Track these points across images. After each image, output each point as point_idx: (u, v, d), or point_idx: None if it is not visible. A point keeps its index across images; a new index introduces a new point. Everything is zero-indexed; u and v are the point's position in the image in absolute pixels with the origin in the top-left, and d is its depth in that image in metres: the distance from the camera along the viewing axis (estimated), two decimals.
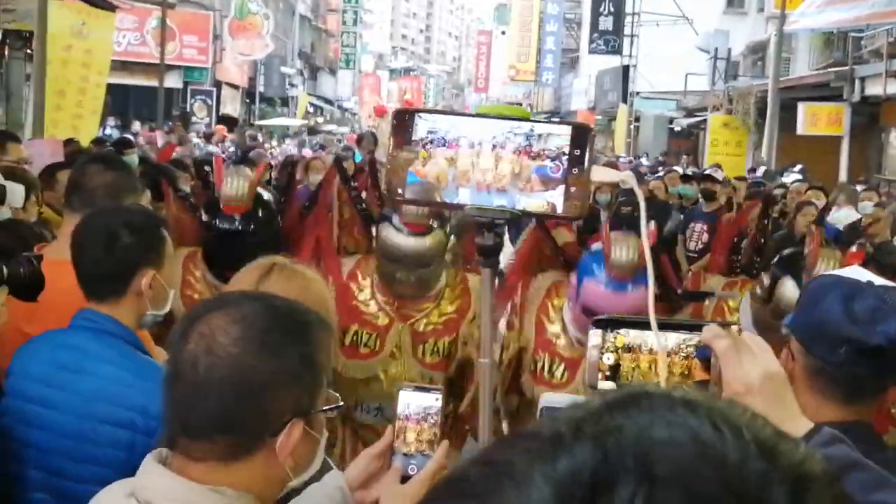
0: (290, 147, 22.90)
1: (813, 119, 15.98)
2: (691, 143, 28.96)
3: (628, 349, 1.37)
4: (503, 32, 64.02)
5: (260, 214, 3.87)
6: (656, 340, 1.34)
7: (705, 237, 9.11)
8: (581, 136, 1.39)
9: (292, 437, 1.51)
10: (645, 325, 1.38)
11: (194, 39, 28.46)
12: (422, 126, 1.41)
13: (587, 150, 1.39)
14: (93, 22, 11.15)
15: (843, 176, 14.86)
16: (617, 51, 33.02)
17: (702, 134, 24.84)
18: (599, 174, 1.47)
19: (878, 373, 1.95)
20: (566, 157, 1.38)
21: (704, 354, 1.36)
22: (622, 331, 1.38)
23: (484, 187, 1.39)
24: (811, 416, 1.39)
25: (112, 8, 12.92)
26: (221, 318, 1.53)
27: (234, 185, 3.81)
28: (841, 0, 12.09)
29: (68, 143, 8.54)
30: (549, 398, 1.62)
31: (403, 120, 1.42)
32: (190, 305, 3.58)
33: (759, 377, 1.31)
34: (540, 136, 1.39)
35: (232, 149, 19.87)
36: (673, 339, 1.36)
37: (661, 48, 30.02)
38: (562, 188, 1.38)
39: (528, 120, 1.41)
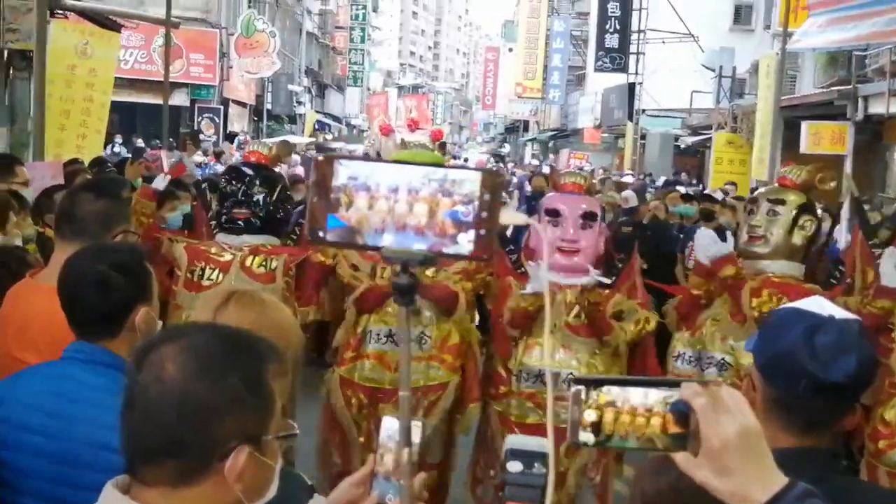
0: (296, 166, 22.95)
1: (816, 138, 15.97)
2: (697, 161, 28.96)
3: (610, 405, 1.41)
4: (510, 49, 64.13)
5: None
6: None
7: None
8: (490, 181, 1.46)
9: (239, 462, 1.55)
10: (627, 382, 1.42)
11: (201, 57, 28.55)
12: (342, 172, 1.49)
13: (496, 195, 1.47)
14: (97, 41, 11.21)
15: (846, 195, 14.82)
16: (623, 68, 33.07)
17: (707, 152, 24.84)
18: (507, 217, 1.55)
19: (835, 406, 2.01)
20: (477, 201, 1.45)
21: (678, 408, 1.39)
22: (604, 388, 1.41)
23: (402, 231, 1.47)
24: (769, 442, 1.42)
25: (117, 28, 12.98)
26: (171, 348, 1.59)
27: None
28: (843, 20, 12.08)
29: (71, 163, 8.56)
30: (515, 441, 1.64)
31: (324, 168, 1.50)
32: None
33: (735, 433, 1.35)
34: (453, 181, 1.47)
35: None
36: (654, 395, 1.40)
37: (667, 66, 30.03)
38: (472, 231, 1.46)
39: (441, 166, 1.50)
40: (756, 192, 5.57)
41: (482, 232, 1.45)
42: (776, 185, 5.22)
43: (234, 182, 5.13)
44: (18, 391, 2.49)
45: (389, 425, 1.76)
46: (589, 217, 4.76)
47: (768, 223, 4.91)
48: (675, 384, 1.40)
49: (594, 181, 5.95)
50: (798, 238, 4.88)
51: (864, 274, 4.64)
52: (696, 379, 1.51)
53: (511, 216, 1.58)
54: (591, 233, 4.76)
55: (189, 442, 1.55)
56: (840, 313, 2.10)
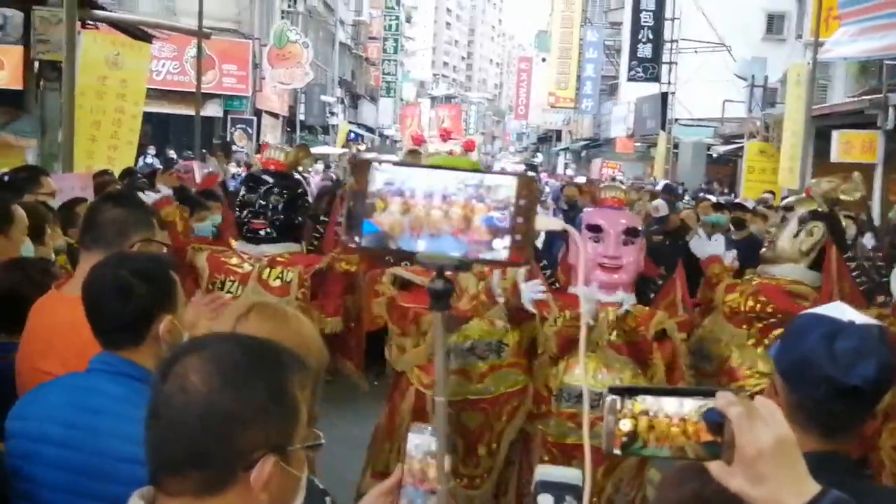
0: (331, 173, 23.07)
1: (847, 147, 15.87)
2: (729, 170, 28.78)
3: (644, 413, 1.43)
4: (543, 59, 64.05)
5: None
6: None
7: (736, 265, 9.10)
8: (526, 186, 1.46)
9: (265, 472, 1.55)
10: (661, 392, 1.44)
11: (234, 68, 28.71)
12: (379, 177, 1.49)
13: (532, 200, 1.46)
14: (127, 52, 11.29)
15: (876, 204, 14.72)
16: (655, 78, 32.97)
17: (739, 161, 24.69)
18: (543, 223, 1.52)
19: (855, 410, 2.03)
20: (513, 206, 1.45)
21: (710, 418, 1.40)
22: (639, 398, 1.43)
23: (437, 236, 1.47)
24: None
25: (148, 38, 13.09)
26: (195, 359, 1.60)
27: None
28: (874, 29, 12.02)
29: (101, 174, 8.62)
30: (545, 472, 1.66)
31: (361, 172, 1.50)
32: None
33: (770, 442, 1.37)
34: (489, 187, 1.46)
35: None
36: (688, 404, 1.41)
37: (700, 75, 29.91)
38: (508, 237, 1.45)
39: (477, 171, 1.49)
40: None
41: (518, 237, 1.44)
42: (804, 195, 5.28)
43: (252, 190, 5.12)
44: (40, 403, 2.51)
45: (416, 437, 1.79)
46: (631, 233, 4.70)
47: (779, 230, 5.09)
48: (709, 393, 1.42)
49: (634, 194, 5.85)
50: (805, 244, 4.93)
51: (840, 289, 4.69)
52: (725, 389, 1.50)
53: (546, 222, 1.56)
54: (633, 249, 4.71)
55: (214, 452, 1.55)
56: (861, 318, 2.10)
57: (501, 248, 1.45)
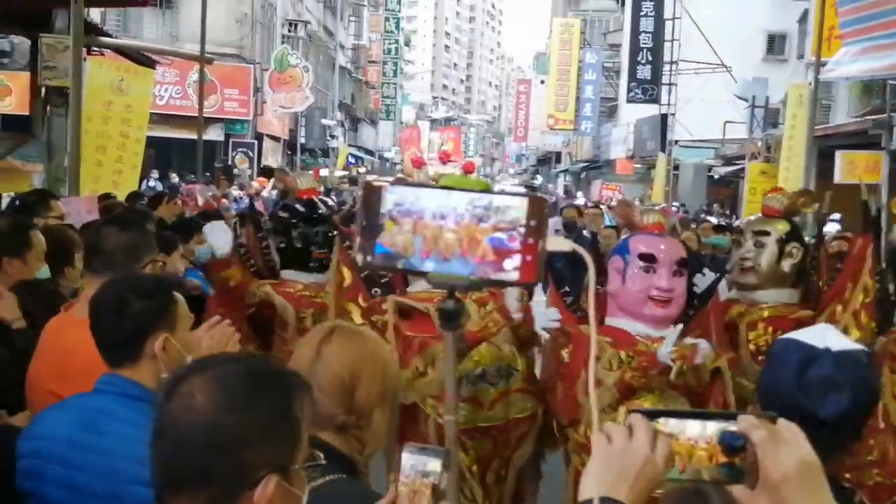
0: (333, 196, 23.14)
1: (851, 167, 15.86)
2: (731, 192, 28.83)
3: (667, 436, 1.42)
4: (542, 81, 64.29)
5: None
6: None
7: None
8: (537, 207, 1.47)
9: (267, 492, 1.57)
10: (684, 415, 1.44)
11: (235, 93, 28.92)
12: (389, 199, 1.50)
13: (542, 221, 1.47)
14: (132, 78, 11.36)
15: (883, 225, 14.71)
16: (655, 99, 33.06)
17: (741, 182, 24.72)
18: (554, 244, 1.51)
19: (831, 440, 1.96)
20: (523, 227, 1.45)
21: (727, 440, 1.39)
22: (661, 419, 1.43)
23: (448, 256, 1.47)
24: None
25: (152, 64, 13.15)
26: (201, 378, 1.63)
27: None
28: (876, 48, 12.03)
29: (104, 197, 8.64)
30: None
31: (372, 194, 1.51)
32: None
33: (794, 466, 1.36)
34: (498, 208, 1.46)
35: (275, 193, 20.13)
36: (711, 427, 1.40)
37: (700, 96, 30.00)
38: (518, 256, 1.45)
39: (487, 192, 1.49)
40: (742, 224, 5.55)
41: (528, 258, 1.45)
42: (760, 215, 5.18)
43: (312, 223, 5.25)
44: (48, 424, 2.54)
45: (410, 457, 1.77)
46: (682, 264, 4.42)
47: (756, 254, 4.94)
48: (731, 416, 1.41)
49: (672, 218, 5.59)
50: (786, 265, 4.89)
51: (865, 293, 4.58)
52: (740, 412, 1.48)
53: (556, 243, 1.53)
54: (683, 281, 4.40)
55: (218, 471, 1.57)
56: (840, 344, 2.07)
57: (512, 268, 1.45)
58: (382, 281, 4.79)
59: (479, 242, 1.46)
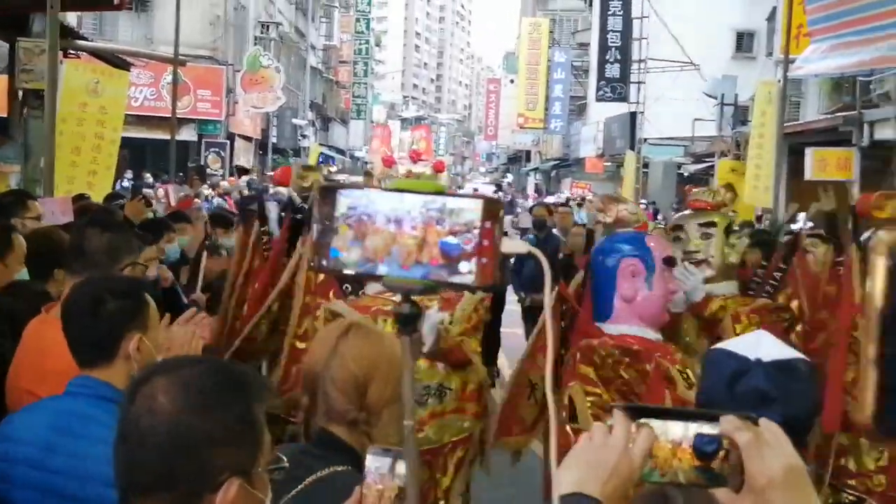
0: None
1: (822, 164, 15.96)
2: None
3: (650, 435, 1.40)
4: (512, 81, 64.40)
5: None
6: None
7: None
8: (492, 209, 1.44)
9: (230, 495, 1.57)
10: (667, 414, 1.42)
11: (208, 93, 28.96)
12: (343, 202, 1.48)
13: (498, 223, 1.44)
14: (107, 80, 11.32)
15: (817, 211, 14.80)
16: (623, 98, 33.19)
17: (711, 180, 24.89)
18: (509, 246, 1.49)
19: None
20: (477, 229, 1.43)
21: (701, 444, 1.37)
22: (645, 419, 1.41)
23: (403, 260, 1.45)
24: None
25: (127, 66, 13.12)
26: (163, 381, 1.62)
27: None
28: (845, 45, 12.14)
29: (78, 198, 8.62)
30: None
31: (327, 198, 1.49)
32: None
33: (780, 470, 1.34)
34: (451, 210, 1.44)
35: (245, 190, 20.14)
36: (693, 428, 1.38)
37: (669, 94, 30.17)
38: (474, 259, 1.42)
39: (441, 194, 1.47)
40: (678, 218, 5.42)
41: (484, 260, 1.42)
42: (691, 209, 5.06)
43: None
44: (21, 426, 2.53)
45: (374, 459, 1.80)
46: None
47: (706, 247, 4.83)
48: (714, 418, 1.39)
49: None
50: (733, 257, 4.80)
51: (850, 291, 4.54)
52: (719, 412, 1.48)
53: (511, 245, 1.51)
54: None
55: (181, 474, 1.57)
56: (774, 353, 2.05)
57: (468, 271, 1.42)
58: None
59: (434, 246, 1.44)
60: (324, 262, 1.49)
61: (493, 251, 1.42)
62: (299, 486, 2.17)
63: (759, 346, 2.07)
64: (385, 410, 2.36)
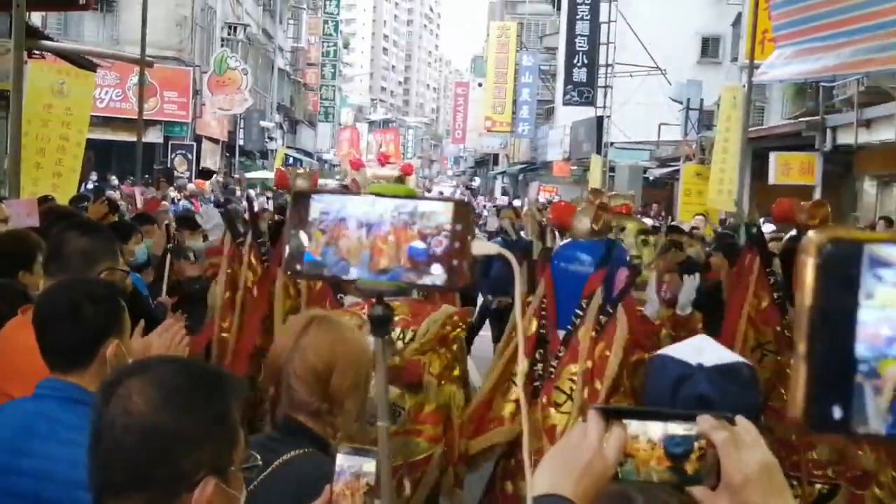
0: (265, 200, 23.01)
1: (785, 168, 16.16)
2: (666, 193, 29.16)
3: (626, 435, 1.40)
4: (480, 84, 64.51)
5: None
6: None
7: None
8: (462, 211, 1.46)
9: (206, 494, 1.57)
10: (646, 414, 1.42)
11: (174, 95, 28.75)
12: (315, 207, 1.50)
13: (468, 225, 1.46)
14: (73, 81, 11.25)
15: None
16: (591, 102, 33.36)
17: (676, 184, 25.07)
18: (480, 248, 1.51)
19: None
20: (448, 232, 1.44)
21: (668, 445, 1.38)
22: (624, 421, 1.41)
23: (375, 263, 1.47)
24: None
25: (92, 67, 13.03)
26: (138, 381, 1.61)
27: None
28: (809, 51, 12.30)
29: (43, 200, 8.57)
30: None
31: (300, 202, 1.51)
32: None
33: (756, 467, 1.35)
34: (423, 213, 1.45)
35: (212, 197, 20.05)
36: (672, 428, 1.39)
37: (635, 99, 30.35)
38: (445, 262, 1.44)
39: (413, 198, 1.49)
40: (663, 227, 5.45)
41: (455, 262, 1.44)
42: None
43: None
44: None
45: (345, 458, 1.83)
46: None
47: (650, 254, 4.96)
48: (691, 417, 1.40)
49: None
50: (647, 257, 4.87)
51: (758, 299, 4.67)
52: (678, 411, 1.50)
53: (482, 246, 1.53)
54: None
55: (156, 474, 1.57)
56: (716, 358, 2.08)
57: (439, 272, 1.44)
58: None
59: (401, 250, 1.45)
60: (298, 268, 1.50)
61: (465, 253, 1.44)
62: (266, 471, 2.22)
63: (701, 351, 2.10)
64: (348, 400, 2.42)
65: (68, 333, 2.54)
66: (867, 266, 0.93)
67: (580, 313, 4.22)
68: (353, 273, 1.47)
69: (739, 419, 1.39)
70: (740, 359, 2.18)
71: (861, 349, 0.92)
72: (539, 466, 1.42)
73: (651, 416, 1.42)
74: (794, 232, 5.64)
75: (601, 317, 4.14)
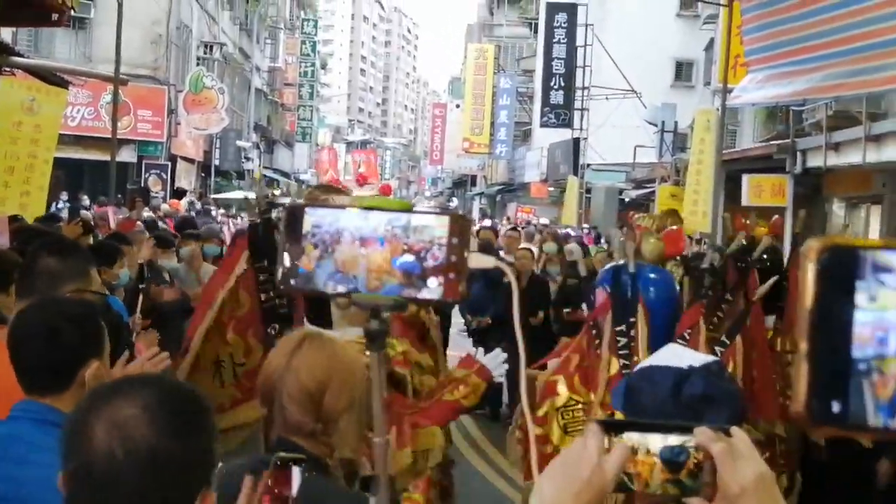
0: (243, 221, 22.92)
1: (757, 190, 16.31)
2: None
3: (628, 449, 1.40)
4: (458, 106, 64.72)
5: None
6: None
7: None
8: (459, 225, 1.46)
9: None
10: (648, 428, 1.42)
11: (149, 114, 28.50)
12: (308, 221, 1.49)
13: (465, 238, 1.46)
14: (43, 98, 11.13)
15: (787, 246, 15.13)
16: (568, 124, 33.62)
17: (651, 205, 25.19)
18: (476, 261, 1.50)
19: None
20: (442, 246, 1.44)
21: (668, 456, 1.39)
22: (625, 434, 1.41)
23: (371, 277, 1.46)
24: None
25: (65, 84, 12.94)
26: (127, 408, 1.56)
27: None
28: (780, 76, 12.39)
29: (13, 220, 8.50)
30: None
31: (294, 216, 1.50)
32: None
33: (752, 478, 1.36)
34: (416, 227, 1.45)
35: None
36: (672, 440, 1.40)
37: (611, 121, 30.57)
38: (442, 275, 1.44)
39: (408, 212, 1.48)
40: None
41: (451, 275, 1.44)
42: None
43: None
44: None
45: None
46: None
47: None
48: (688, 429, 1.40)
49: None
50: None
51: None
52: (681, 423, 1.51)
53: (479, 259, 1.52)
54: None
55: (163, 499, 1.55)
56: (698, 358, 2.14)
57: (436, 285, 1.44)
58: (281, 312, 4.34)
59: (404, 261, 1.45)
60: (292, 282, 1.49)
61: (462, 266, 1.45)
62: None
63: (681, 356, 2.16)
64: (341, 419, 2.38)
65: (45, 355, 2.49)
66: (870, 271, 0.98)
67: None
68: (349, 287, 1.47)
69: (735, 430, 1.40)
70: (710, 357, 2.23)
71: (859, 349, 0.98)
72: (539, 480, 1.43)
73: (650, 428, 1.43)
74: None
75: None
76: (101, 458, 1.53)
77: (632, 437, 1.41)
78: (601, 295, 4.27)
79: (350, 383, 2.39)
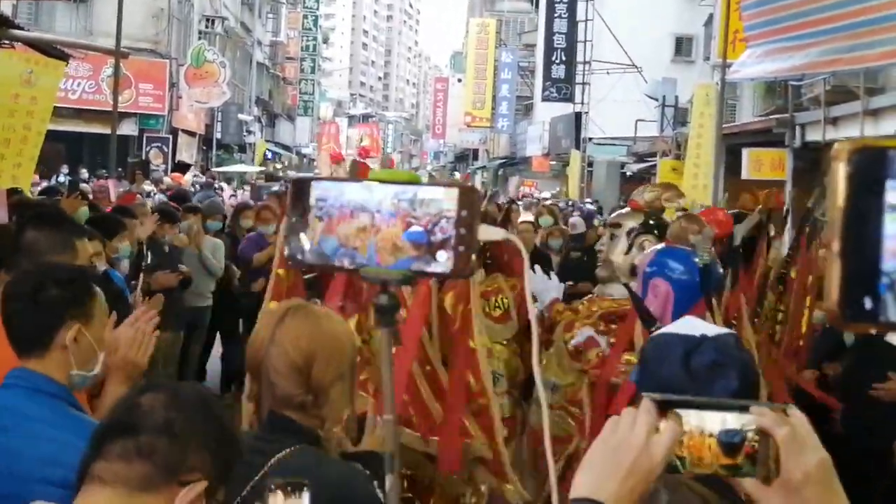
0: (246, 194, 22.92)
1: (757, 164, 16.32)
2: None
3: (682, 428, 1.35)
4: (459, 80, 64.54)
5: None
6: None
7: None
8: (468, 197, 1.43)
9: (189, 497, 1.66)
10: (704, 406, 1.37)
11: (150, 87, 28.45)
12: (314, 194, 1.46)
13: (474, 211, 1.43)
14: (41, 70, 11.07)
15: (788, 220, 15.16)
16: (569, 98, 33.56)
17: (653, 179, 25.17)
18: (485, 233, 1.46)
19: None
20: (450, 219, 1.41)
21: (728, 439, 1.34)
22: (681, 410, 1.36)
23: (381, 250, 1.44)
24: None
25: (65, 58, 12.90)
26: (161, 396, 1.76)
27: None
28: (779, 51, 12.39)
29: (13, 192, 8.51)
30: None
31: (300, 188, 1.48)
32: None
33: (815, 466, 1.32)
34: (423, 200, 1.42)
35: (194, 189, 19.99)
36: (725, 419, 1.35)
37: (612, 95, 30.53)
38: (451, 249, 1.41)
39: (414, 184, 1.45)
40: (615, 217, 5.39)
41: (461, 249, 1.40)
42: (630, 208, 5.14)
43: None
44: None
45: (274, 500, 1.81)
46: None
47: (610, 247, 4.92)
48: (745, 408, 1.36)
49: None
50: (637, 258, 4.69)
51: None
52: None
53: (489, 232, 1.48)
54: None
55: (168, 454, 1.67)
56: (712, 329, 2.14)
57: (445, 259, 1.41)
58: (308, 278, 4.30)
59: (399, 237, 1.42)
60: (298, 256, 1.47)
61: (471, 239, 1.41)
62: (260, 473, 2.19)
63: (695, 326, 2.15)
64: (332, 389, 2.33)
65: (27, 313, 2.49)
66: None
67: None
68: (358, 261, 1.44)
69: (792, 410, 1.36)
70: (728, 330, 2.25)
71: (891, 246, 0.98)
72: (582, 463, 1.36)
73: (704, 406, 1.37)
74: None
75: None
76: (144, 412, 1.72)
77: (684, 414, 1.35)
78: (662, 285, 4.12)
79: (338, 353, 2.35)
